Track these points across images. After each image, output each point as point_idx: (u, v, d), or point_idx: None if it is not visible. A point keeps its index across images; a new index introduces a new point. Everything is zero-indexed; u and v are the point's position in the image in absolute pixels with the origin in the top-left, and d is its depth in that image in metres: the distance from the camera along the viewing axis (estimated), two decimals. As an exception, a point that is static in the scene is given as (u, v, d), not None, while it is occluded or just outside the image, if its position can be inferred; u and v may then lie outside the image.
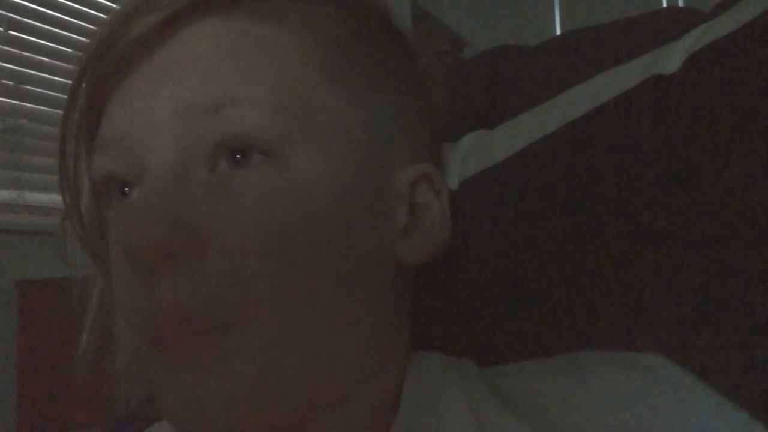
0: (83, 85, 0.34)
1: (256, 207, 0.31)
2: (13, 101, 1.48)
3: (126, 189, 0.33)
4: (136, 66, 0.32)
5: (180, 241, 0.29)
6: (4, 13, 1.46)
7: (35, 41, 1.53)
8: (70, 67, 0.36)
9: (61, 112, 0.35)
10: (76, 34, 1.59)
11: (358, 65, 0.35)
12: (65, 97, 0.35)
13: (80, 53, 0.35)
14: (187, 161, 0.31)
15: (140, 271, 0.30)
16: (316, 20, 0.34)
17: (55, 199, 1.49)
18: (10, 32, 1.48)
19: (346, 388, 0.34)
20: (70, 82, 0.34)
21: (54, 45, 1.56)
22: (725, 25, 0.39)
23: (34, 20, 1.53)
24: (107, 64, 0.33)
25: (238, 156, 0.31)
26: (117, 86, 0.33)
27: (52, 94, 1.51)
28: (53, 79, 1.52)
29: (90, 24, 1.62)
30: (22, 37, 1.50)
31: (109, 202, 0.35)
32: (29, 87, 1.50)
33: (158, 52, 0.32)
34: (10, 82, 1.47)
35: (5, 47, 1.47)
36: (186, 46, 0.32)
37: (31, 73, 1.51)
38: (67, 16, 1.60)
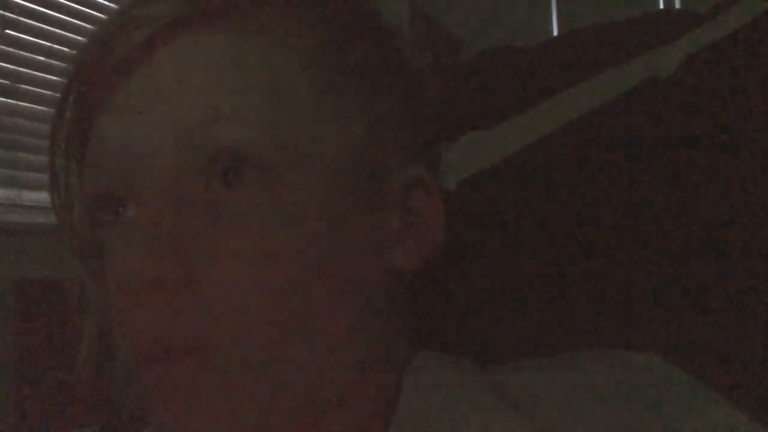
0: (71, 98, 0.34)
1: (249, 230, 0.31)
2: (10, 100, 1.47)
3: (119, 208, 0.33)
4: (123, 82, 0.32)
5: (171, 277, 0.30)
6: (0, 12, 1.45)
7: (32, 40, 1.52)
8: (68, 66, 0.35)
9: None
10: (74, 34, 1.59)
11: (346, 71, 0.35)
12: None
13: (67, 66, 0.35)
14: (180, 179, 0.31)
15: (131, 298, 0.30)
16: (301, 30, 0.34)
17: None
18: (7, 31, 1.47)
19: (343, 393, 0.34)
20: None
21: (51, 44, 1.55)
22: (722, 27, 0.39)
23: (30, 19, 1.53)
24: (94, 81, 0.33)
25: (230, 175, 0.31)
26: (105, 102, 0.33)
27: (50, 93, 1.50)
28: (51, 79, 1.51)
29: (87, 23, 1.62)
30: (19, 36, 1.50)
31: (102, 219, 0.35)
32: (26, 86, 1.50)
33: (145, 68, 0.32)
34: (7, 82, 1.47)
35: (2, 46, 1.47)
36: (172, 61, 0.32)
37: (29, 73, 1.51)
38: (64, 15, 1.60)
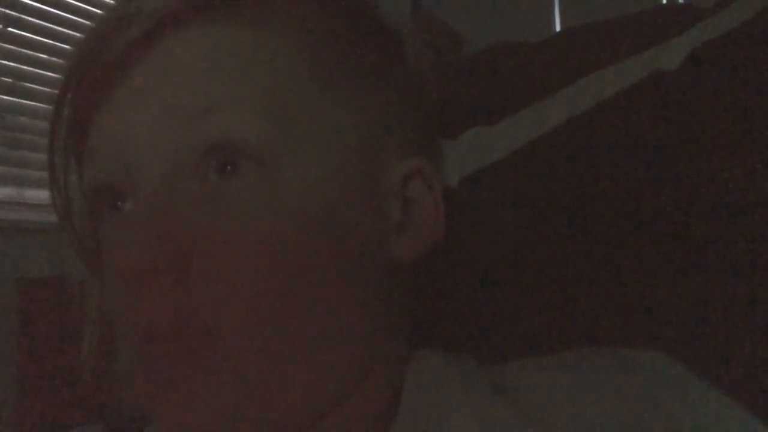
0: (69, 96, 0.34)
1: (246, 222, 0.31)
2: (13, 98, 1.48)
3: (119, 203, 0.33)
4: (122, 77, 0.32)
5: (168, 262, 0.30)
6: (3, 10, 1.45)
7: (34, 38, 1.52)
8: (65, 63, 0.35)
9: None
10: (76, 32, 1.59)
11: (345, 64, 0.35)
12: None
13: (64, 62, 0.35)
14: (177, 171, 0.31)
15: (129, 285, 0.30)
16: (300, 22, 0.34)
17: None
18: (9, 29, 1.47)
19: (343, 390, 0.34)
20: None
21: (53, 42, 1.55)
22: (726, 22, 0.38)
23: (33, 17, 1.53)
24: (92, 76, 0.33)
25: (228, 167, 0.31)
26: (103, 97, 0.33)
27: (52, 91, 1.50)
28: (53, 77, 1.52)
29: (89, 21, 1.62)
30: (21, 35, 1.50)
31: (101, 214, 0.35)
32: (28, 84, 1.50)
33: (143, 62, 0.32)
34: (9, 80, 1.47)
35: (4, 44, 1.47)
36: (170, 55, 0.32)
37: (31, 71, 1.51)
38: (66, 13, 1.60)
